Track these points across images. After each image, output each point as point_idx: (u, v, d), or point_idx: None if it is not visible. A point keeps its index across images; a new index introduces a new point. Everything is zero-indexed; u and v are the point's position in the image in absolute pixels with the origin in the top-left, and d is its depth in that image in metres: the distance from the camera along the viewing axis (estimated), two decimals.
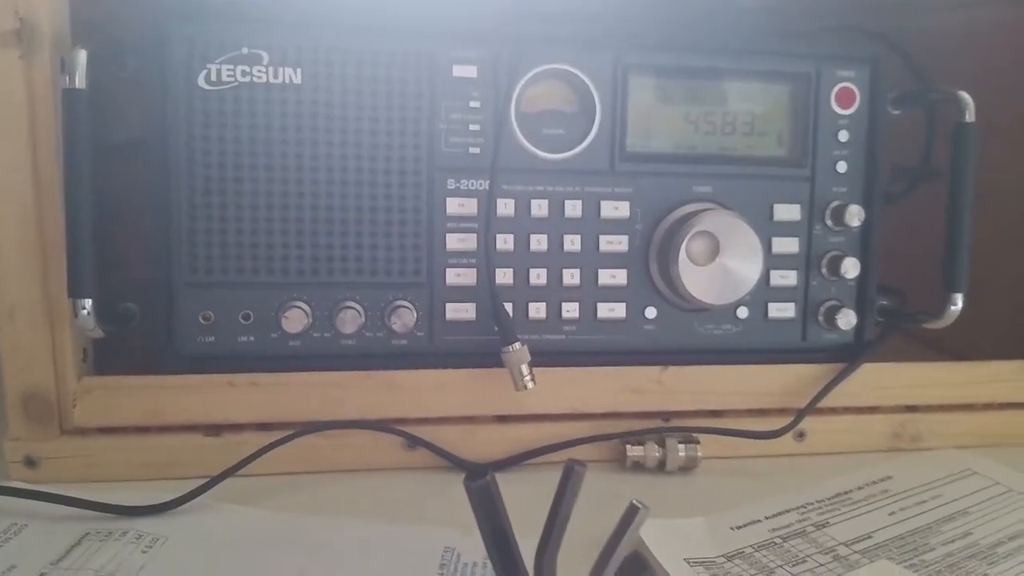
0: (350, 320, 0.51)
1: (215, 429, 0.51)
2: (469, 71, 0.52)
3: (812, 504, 0.50)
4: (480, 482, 0.33)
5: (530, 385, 0.51)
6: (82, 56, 0.44)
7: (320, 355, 0.52)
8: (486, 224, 0.52)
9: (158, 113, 0.48)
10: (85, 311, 0.45)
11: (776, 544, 0.45)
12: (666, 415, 0.55)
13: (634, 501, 0.33)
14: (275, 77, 0.49)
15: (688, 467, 0.53)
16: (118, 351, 0.52)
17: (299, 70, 0.49)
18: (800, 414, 0.55)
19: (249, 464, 0.48)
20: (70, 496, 0.45)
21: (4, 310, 0.46)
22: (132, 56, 0.48)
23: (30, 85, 0.44)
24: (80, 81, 0.44)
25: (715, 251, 0.52)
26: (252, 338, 0.51)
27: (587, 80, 0.53)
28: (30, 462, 0.48)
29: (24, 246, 0.46)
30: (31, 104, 0.45)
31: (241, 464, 0.48)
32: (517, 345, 0.51)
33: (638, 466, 0.53)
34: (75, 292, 0.45)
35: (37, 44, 0.44)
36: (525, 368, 0.51)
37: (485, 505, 0.33)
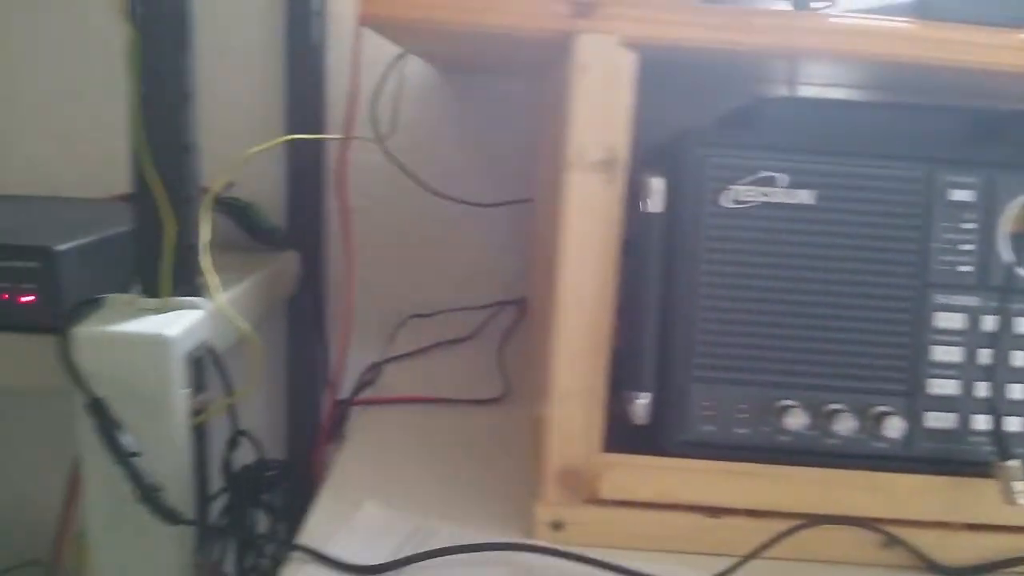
0: (842, 422, 0.55)
1: (713, 511, 0.56)
2: (966, 195, 0.55)
3: None
4: None
5: (1022, 501, 0.52)
6: (660, 183, 0.51)
7: (805, 451, 0.56)
8: (992, 340, 0.54)
9: (689, 226, 0.55)
10: (642, 402, 0.51)
11: None
12: None
13: None
14: (790, 198, 0.55)
15: None
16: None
17: (812, 191, 0.54)
18: None
19: (763, 550, 0.53)
20: (612, 563, 0.51)
21: (558, 395, 0.54)
22: (667, 176, 0.55)
23: (609, 206, 0.52)
24: (659, 205, 0.50)
25: None
26: (746, 430, 0.56)
27: None
28: (557, 525, 0.55)
29: (584, 344, 0.53)
30: (608, 221, 0.52)
31: (760, 549, 0.52)
32: (1015, 462, 0.53)
33: None
34: (636, 386, 0.51)
35: (618, 171, 0.52)
36: (1019, 484, 0.52)
37: None
